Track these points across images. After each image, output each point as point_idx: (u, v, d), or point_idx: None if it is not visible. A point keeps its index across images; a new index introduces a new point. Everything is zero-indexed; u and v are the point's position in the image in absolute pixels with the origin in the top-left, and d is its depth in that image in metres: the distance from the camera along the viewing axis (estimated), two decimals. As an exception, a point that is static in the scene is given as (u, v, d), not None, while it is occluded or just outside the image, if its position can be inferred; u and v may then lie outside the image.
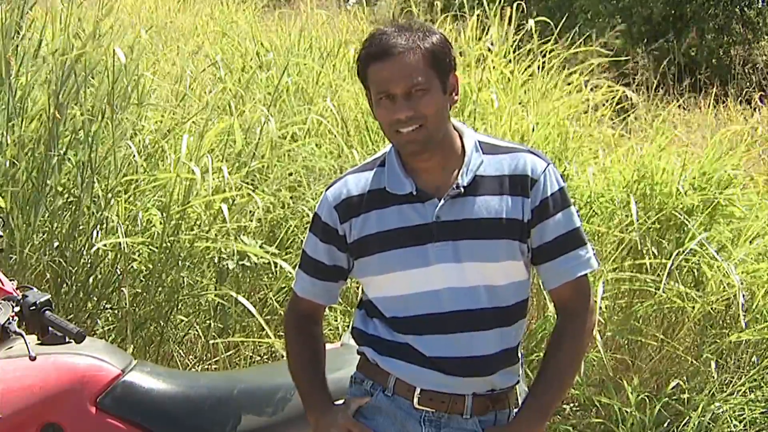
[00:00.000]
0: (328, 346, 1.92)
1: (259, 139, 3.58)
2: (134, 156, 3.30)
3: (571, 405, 3.50)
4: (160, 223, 3.17)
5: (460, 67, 4.33)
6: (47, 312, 2.00)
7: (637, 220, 3.63)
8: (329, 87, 4.46)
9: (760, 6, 11.90)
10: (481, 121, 3.98)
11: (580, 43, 4.67)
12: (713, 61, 10.18)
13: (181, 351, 3.33)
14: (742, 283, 3.44)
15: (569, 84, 4.48)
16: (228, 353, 3.27)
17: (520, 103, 4.11)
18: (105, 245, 3.14)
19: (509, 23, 4.58)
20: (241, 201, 3.27)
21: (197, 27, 5.93)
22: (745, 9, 11.85)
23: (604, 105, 4.68)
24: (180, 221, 3.19)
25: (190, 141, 3.30)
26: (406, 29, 1.66)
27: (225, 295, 3.14)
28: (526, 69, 4.50)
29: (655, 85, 5.07)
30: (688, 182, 3.86)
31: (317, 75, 4.49)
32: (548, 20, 4.73)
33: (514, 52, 4.58)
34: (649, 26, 10.19)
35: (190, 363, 3.34)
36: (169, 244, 3.13)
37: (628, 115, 4.71)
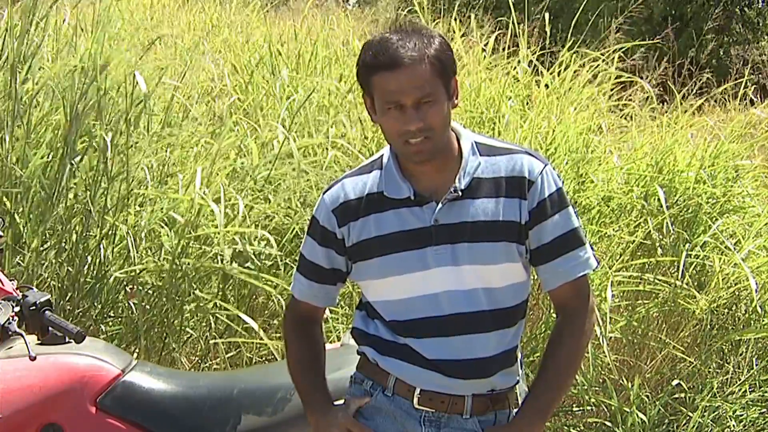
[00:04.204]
0: (327, 346, 1.92)
1: (276, 158, 3.54)
2: (147, 169, 3.29)
3: (572, 405, 3.50)
4: (170, 241, 3.17)
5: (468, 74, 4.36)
6: (47, 312, 2.00)
7: (662, 209, 3.61)
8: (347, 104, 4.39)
9: (760, 6, 11.92)
10: (503, 128, 3.97)
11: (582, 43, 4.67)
12: (713, 61, 10.17)
13: (183, 352, 3.33)
14: (752, 274, 3.44)
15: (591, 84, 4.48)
16: (229, 354, 3.27)
17: (541, 113, 4.09)
18: (113, 252, 3.15)
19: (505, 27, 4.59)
20: (252, 212, 3.26)
21: (200, 30, 5.91)
22: (745, 9, 11.87)
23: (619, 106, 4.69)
24: (189, 241, 3.19)
25: (204, 165, 3.29)
26: (409, 35, 1.64)
27: (231, 314, 3.13)
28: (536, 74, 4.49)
29: (658, 84, 5.08)
30: (708, 171, 3.87)
31: (341, 97, 4.42)
32: (543, 18, 4.73)
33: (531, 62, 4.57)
34: (650, 26, 10.19)
35: (192, 363, 3.34)
36: (176, 265, 3.13)
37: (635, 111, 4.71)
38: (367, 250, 1.73)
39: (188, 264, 3.12)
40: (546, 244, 1.72)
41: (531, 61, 4.56)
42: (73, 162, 3.18)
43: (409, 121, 1.62)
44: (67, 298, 3.13)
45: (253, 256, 3.15)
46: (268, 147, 3.70)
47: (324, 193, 1.80)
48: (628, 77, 4.61)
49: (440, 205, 1.69)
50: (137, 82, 3.32)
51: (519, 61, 4.53)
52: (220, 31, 5.89)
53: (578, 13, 4.82)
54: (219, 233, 3.13)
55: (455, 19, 4.85)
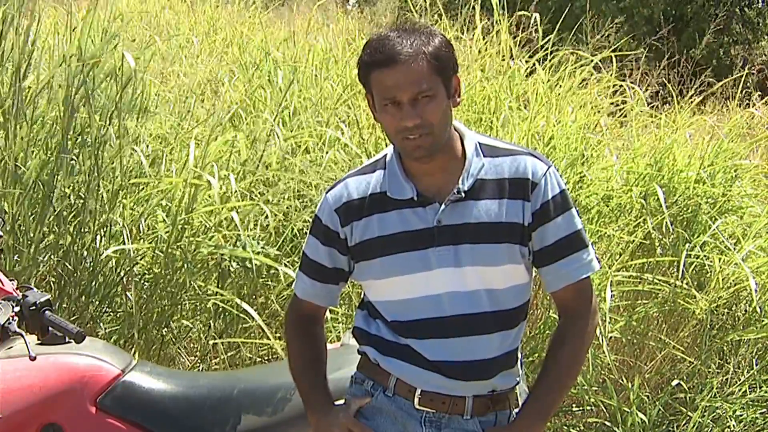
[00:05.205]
0: (328, 346, 1.92)
1: (264, 151, 3.54)
2: (140, 160, 3.29)
3: (572, 405, 3.50)
4: (165, 227, 3.17)
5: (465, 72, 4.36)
6: (47, 312, 2.00)
7: (662, 208, 3.61)
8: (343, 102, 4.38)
9: (760, 6, 11.92)
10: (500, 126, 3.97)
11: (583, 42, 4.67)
12: (713, 61, 10.18)
13: (182, 351, 3.33)
14: (752, 274, 3.43)
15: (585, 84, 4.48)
16: (229, 354, 3.26)
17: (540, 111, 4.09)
18: (109, 242, 3.14)
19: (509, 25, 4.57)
20: (245, 208, 3.26)
21: (198, 29, 5.91)
22: (745, 9, 11.88)
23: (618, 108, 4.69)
24: (184, 226, 3.19)
25: (197, 150, 3.29)
26: (408, 33, 1.64)
27: (227, 299, 3.14)
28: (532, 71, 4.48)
29: (656, 84, 5.08)
30: (707, 171, 3.87)
31: (335, 93, 4.41)
32: (541, 16, 4.72)
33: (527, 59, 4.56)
34: (650, 26, 10.20)
35: (191, 363, 3.34)
36: (173, 249, 3.13)
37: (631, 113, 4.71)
38: (369, 250, 1.73)
39: (183, 247, 3.12)
40: (549, 246, 1.72)
41: (526, 61, 4.56)
42: (73, 158, 3.18)
43: (405, 117, 1.63)
44: (65, 294, 3.13)
45: (249, 250, 3.15)
46: (259, 145, 3.70)
47: (327, 193, 1.80)
48: (622, 79, 4.61)
49: (443, 206, 1.69)
50: (126, 64, 3.30)
51: (511, 58, 4.52)
52: (219, 32, 5.89)
53: (580, 12, 4.82)
54: (214, 213, 3.12)
55: (436, 17, 4.85)
